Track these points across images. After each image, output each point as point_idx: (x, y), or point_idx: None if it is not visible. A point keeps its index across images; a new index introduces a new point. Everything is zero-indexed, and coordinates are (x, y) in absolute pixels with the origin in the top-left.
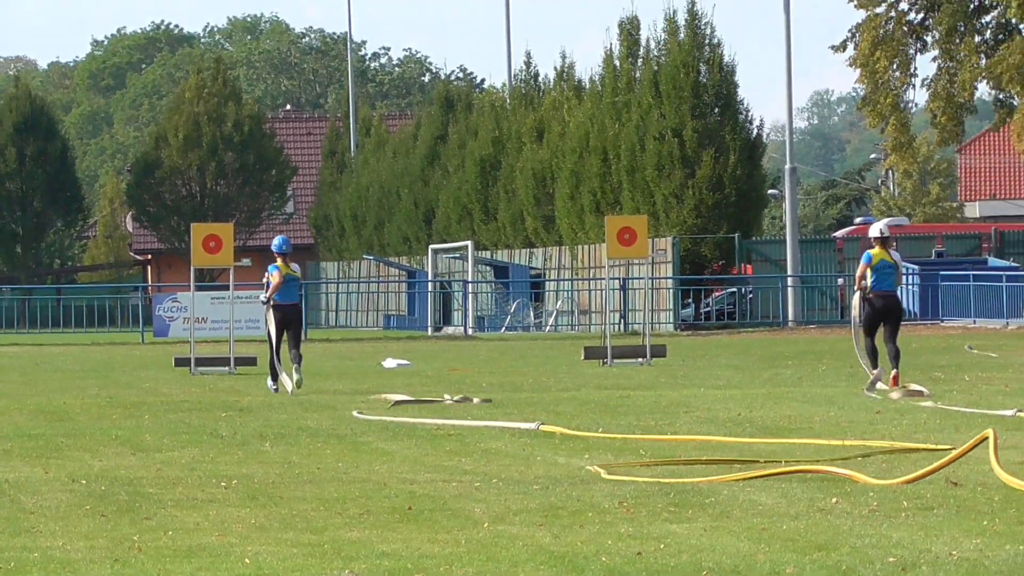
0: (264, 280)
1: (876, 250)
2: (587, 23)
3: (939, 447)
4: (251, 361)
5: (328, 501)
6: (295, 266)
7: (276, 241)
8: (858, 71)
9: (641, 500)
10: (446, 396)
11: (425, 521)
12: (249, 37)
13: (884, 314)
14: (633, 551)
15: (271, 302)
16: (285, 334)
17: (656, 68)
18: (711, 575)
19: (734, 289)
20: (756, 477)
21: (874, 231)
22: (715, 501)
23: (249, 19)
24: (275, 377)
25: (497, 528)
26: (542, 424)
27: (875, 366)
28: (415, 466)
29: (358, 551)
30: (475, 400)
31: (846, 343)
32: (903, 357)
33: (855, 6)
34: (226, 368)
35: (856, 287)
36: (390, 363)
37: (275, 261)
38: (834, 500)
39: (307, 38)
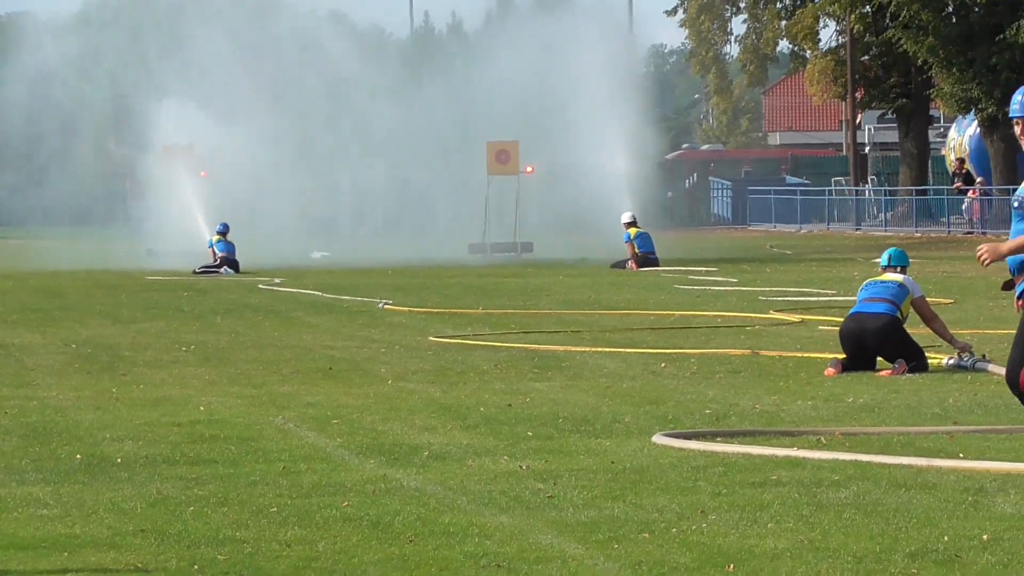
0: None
1: (632, 230)
2: None
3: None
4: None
5: (266, 363)
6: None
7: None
8: (687, 30)
9: (512, 363)
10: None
11: (342, 379)
12: None
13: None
14: (505, 403)
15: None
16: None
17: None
18: (565, 423)
19: None
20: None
21: (626, 218)
22: (570, 365)
23: None
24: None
25: (399, 384)
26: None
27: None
28: (335, 335)
29: (289, 402)
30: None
31: (673, 241)
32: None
33: None
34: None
35: (632, 253)
36: (316, 254)
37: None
38: (663, 365)
39: None
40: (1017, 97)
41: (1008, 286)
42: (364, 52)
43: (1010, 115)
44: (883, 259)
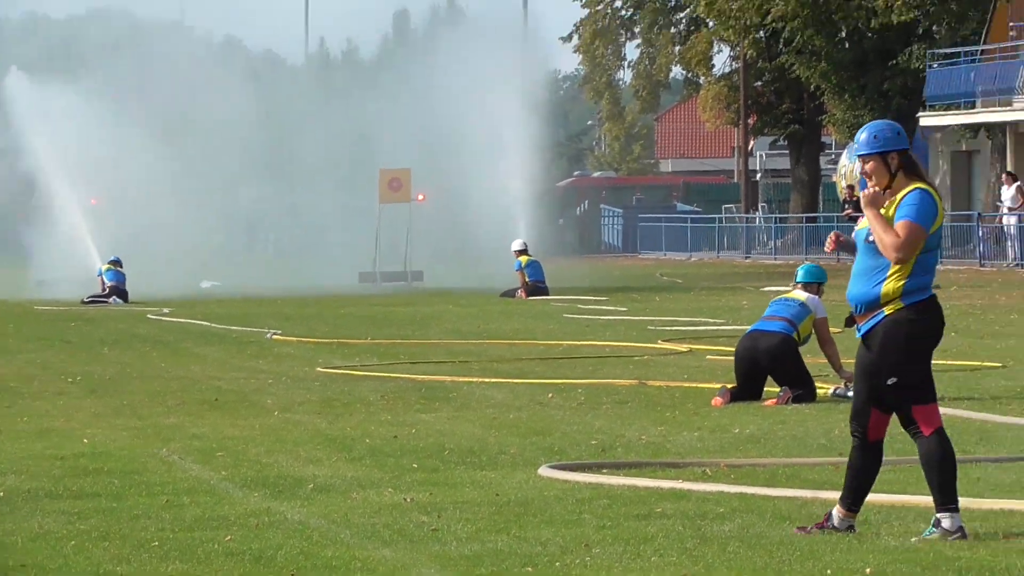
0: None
1: (523, 258)
2: (370, 12)
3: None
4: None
5: (152, 394)
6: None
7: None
8: (581, 56)
9: (399, 394)
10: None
11: (228, 410)
12: None
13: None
14: (391, 435)
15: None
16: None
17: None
18: (451, 454)
19: None
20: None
21: (517, 245)
22: (457, 396)
23: None
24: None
25: (285, 416)
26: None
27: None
28: (222, 366)
29: (174, 434)
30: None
31: (563, 269)
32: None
33: (580, 4)
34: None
35: (522, 282)
36: (206, 284)
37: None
38: (550, 395)
39: None
40: (861, 135)
41: (850, 322)
42: (259, 78)
43: (856, 152)
44: (796, 275)
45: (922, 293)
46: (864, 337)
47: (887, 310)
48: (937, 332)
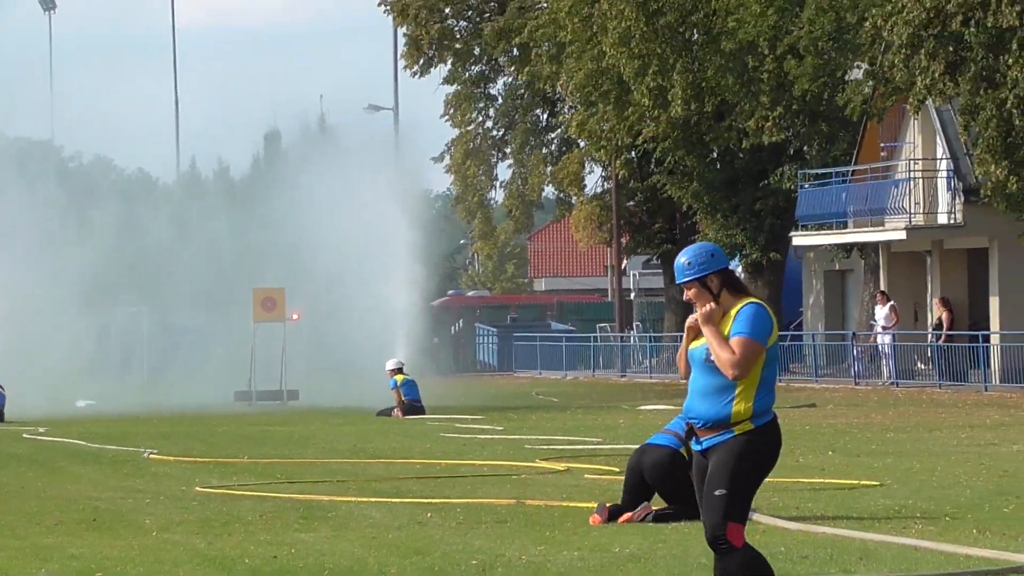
0: None
1: (399, 377)
2: (241, 132)
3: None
4: None
5: (29, 514)
6: None
7: None
8: (452, 176)
9: (278, 514)
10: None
11: (106, 530)
12: None
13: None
14: (271, 555)
15: None
16: None
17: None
18: (332, 575)
19: None
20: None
21: (392, 364)
22: (336, 515)
23: None
24: None
25: (163, 536)
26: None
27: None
28: (99, 486)
29: (52, 554)
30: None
31: (439, 388)
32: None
33: (451, 125)
34: None
35: (398, 401)
36: (81, 403)
37: None
38: (429, 515)
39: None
40: (678, 262)
41: (690, 435)
42: (130, 197)
43: (676, 280)
44: None
45: (768, 414)
46: (705, 451)
47: (737, 430)
48: (777, 455)
